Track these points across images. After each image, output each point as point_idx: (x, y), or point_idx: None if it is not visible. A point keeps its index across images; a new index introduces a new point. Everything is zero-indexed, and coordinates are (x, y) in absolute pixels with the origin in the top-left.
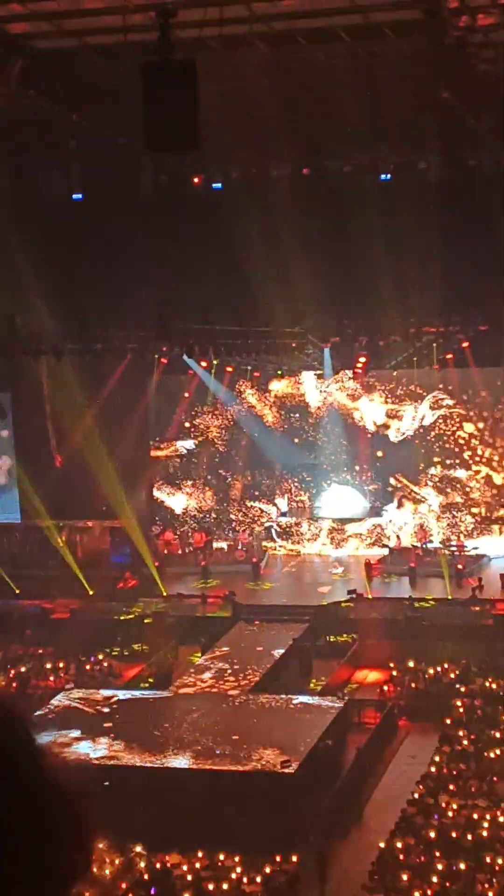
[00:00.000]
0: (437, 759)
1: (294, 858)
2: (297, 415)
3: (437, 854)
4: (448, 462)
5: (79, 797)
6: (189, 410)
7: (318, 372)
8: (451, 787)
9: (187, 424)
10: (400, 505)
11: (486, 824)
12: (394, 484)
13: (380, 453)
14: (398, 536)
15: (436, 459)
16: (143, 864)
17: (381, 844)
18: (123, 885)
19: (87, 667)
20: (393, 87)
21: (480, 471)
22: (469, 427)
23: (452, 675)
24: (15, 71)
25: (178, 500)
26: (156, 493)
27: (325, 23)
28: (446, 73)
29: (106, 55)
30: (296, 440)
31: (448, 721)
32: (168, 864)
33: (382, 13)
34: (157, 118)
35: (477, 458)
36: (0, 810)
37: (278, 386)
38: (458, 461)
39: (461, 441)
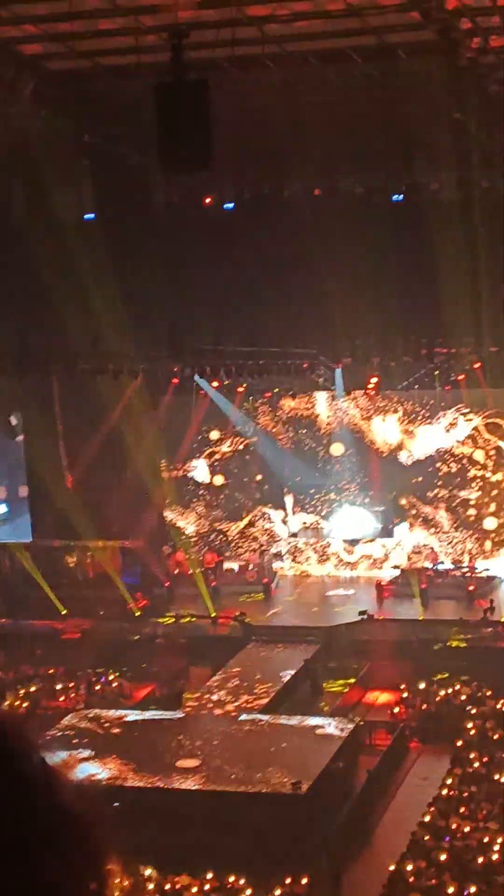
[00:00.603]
0: (448, 781)
1: (304, 881)
2: (309, 435)
3: (448, 877)
4: (459, 482)
5: (93, 822)
6: (200, 431)
7: (331, 392)
8: (463, 809)
9: (199, 445)
10: (411, 526)
11: (497, 847)
12: (405, 505)
13: (391, 474)
14: (409, 557)
15: (451, 480)
16: (152, 886)
17: (392, 867)
18: None
19: (98, 687)
20: (405, 107)
21: (493, 492)
22: (479, 452)
23: (464, 697)
24: (28, 91)
25: (189, 521)
26: (167, 514)
27: (337, 44)
28: (459, 94)
29: (119, 75)
30: (307, 460)
31: (459, 743)
32: (178, 886)
33: (395, 34)
34: (169, 138)
35: (491, 480)
36: (13, 836)
37: (290, 406)
38: (470, 482)
39: (476, 462)
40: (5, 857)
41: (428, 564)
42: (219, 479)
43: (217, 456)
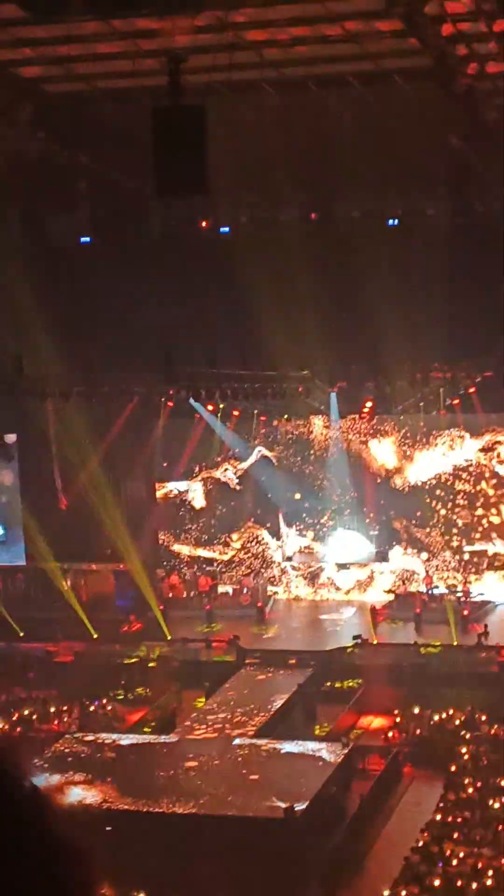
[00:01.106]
0: (441, 806)
1: None
2: (304, 459)
3: None
4: (454, 507)
5: (84, 849)
6: (195, 454)
7: (325, 417)
8: (456, 834)
9: (194, 468)
10: (405, 550)
11: (491, 872)
12: (399, 529)
13: (386, 498)
14: (403, 582)
15: (446, 504)
16: None
17: (385, 893)
18: None
19: (91, 710)
20: (402, 133)
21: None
22: (475, 477)
23: (458, 722)
24: (25, 114)
25: (183, 544)
26: (161, 537)
27: (334, 69)
28: (455, 119)
29: (116, 99)
30: (302, 484)
31: (453, 768)
32: None
33: (392, 60)
34: (166, 162)
35: (488, 503)
36: (4, 864)
37: (286, 430)
38: (465, 506)
39: (471, 486)
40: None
41: (422, 589)
42: (213, 502)
43: (211, 479)
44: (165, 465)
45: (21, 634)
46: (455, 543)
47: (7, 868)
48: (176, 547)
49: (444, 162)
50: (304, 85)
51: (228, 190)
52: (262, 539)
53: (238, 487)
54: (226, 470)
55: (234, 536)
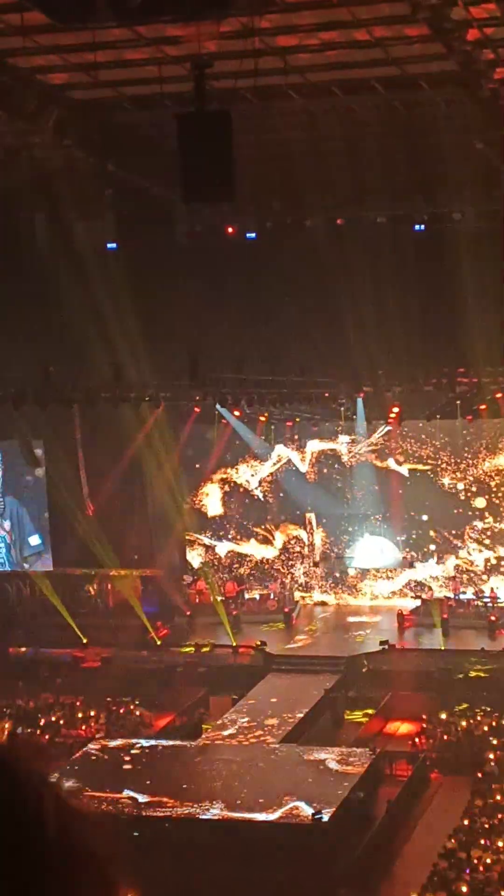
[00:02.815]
0: (469, 812)
1: None
2: (332, 464)
3: None
4: (482, 513)
5: (108, 859)
6: (222, 460)
7: (352, 437)
8: (484, 840)
9: (221, 474)
10: (433, 556)
11: None
12: (427, 534)
13: (413, 504)
14: (430, 587)
15: (474, 511)
16: None
17: None
18: None
19: (118, 716)
20: (427, 138)
21: None
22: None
23: (485, 728)
24: (51, 121)
25: (210, 550)
26: (194, 536)
27: (360, 74)
28: (481, 124)
29: (142, 105)
30: (330, 489)
31: (480, 774)
32: None
33: (418, 65)
34: (192, 168)
35: None
36: (25, 875)
37: (314, 441)
38: (493, 513)
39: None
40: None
41: (449, 594)
42: (239, 509)
43: (238, 485)
44: (192, 470)
45: (48, 640)
46: (483, 548)
47: (27, 881)
48: (202, 552)
49: (471, 167)
50: (330, 90)
51: (254, 196)
52: (290, 544)
53: (266, 490)
54: (252, 476)
55: (262, 542)
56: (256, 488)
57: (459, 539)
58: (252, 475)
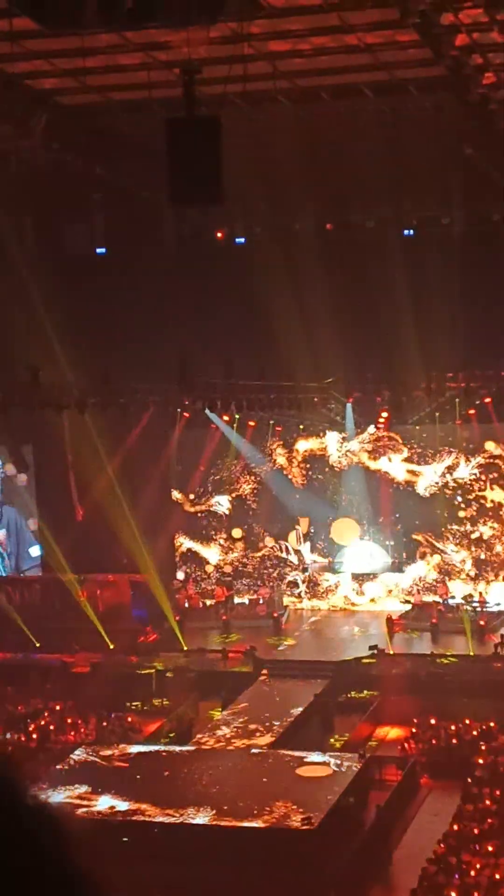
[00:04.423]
0: (458, 817)
1: None
2: (320, 468)
3: None
4: (471, 517)
5: (93, 869)
6: (211, 465)
7: (343, 434)
8: (473, 845)
9: (210, 479)
10: (422, 560)
11: None
12: (416, 539)
13: (402, 509)
14: (420, 592)
15: (461, 515)
16: None
17: None
18: None
19: (107, 721)
20: (416, 143)
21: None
22: (494, 489)
23: (475, 733)
24: (40, 125)
25: (199, 555)
26: (177, 547)
27: (349, 79)
28: (470, 129)
29: (130, 110)
30: (319, 494)
31: (470, 779)
32: None
33: (406, 70)
34: (180, 173)
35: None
36: (13, 884)
37: (302, 441)
38: (482, 517)
39: (488, 497)
40: None
41: (438, 599)
42: (227, 513)
43: (226, 490)
44: (181, 475)
45: (38, 645)
46: (471, 554)
47: (17, 891)
48: (191, 557)
49: (459, 171)
50: (319, 95)
51: (244, 200)
52: (279, 549)
53: (255, 495)
54: (240, 480)
55: (251, 547)
56: (254, 499)
57: (446, 543)
58: (240, 481)
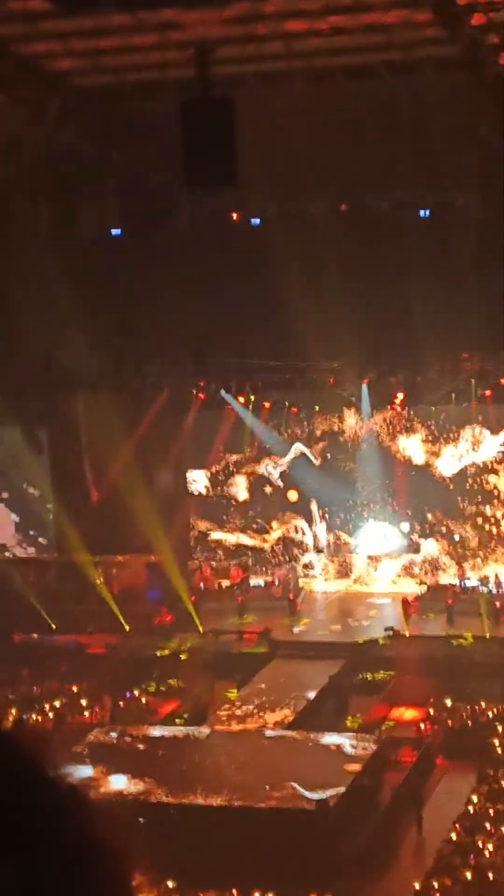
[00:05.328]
0: (474, 798)
1: None
2: (336, 449)
3: (474, 895)
4: (486, 498)
5: (122, 851)
6: (227, 446)
7: (358, 415)
8: (489, 826)
9: (226, 461)
10: (438, 542)
11: None
12: (431, 521)
13: (417, 490)
14: (435, 574)
15: (477, 497)
16: None
17: (417, 885)
18: None
19: (123, 702)
20: (432, 123)
21: None
22: None
23: (490, 714)
24: (53, 108)
25: (215, 536)
26: (202, 526)
27: (364, 59)
28: (486, 109)
29: (144, 92)
30: (334, 476)
31: (486, 760)
32: None
33: (422, 49)
34: (195, 155)
35: None
36: (41, 871)
37: (317, 422)
38: (497, 499)
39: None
40: (33, 892)
41: (454, 580)
42: (244, 495)
43: (241, 471)
44: (196, 456)
45: (53, 626)
46: (488, 535)
47: (43, 870)
48: (216, 535)
49: (475, 152)
50: (334, 75)
51: (259, 182)
52: (294, 531)
53: (279, 483)
54: (255, 462)
55: (274, 525)
56: (277, 479)
57: (461, 524)
58: (267, 465)
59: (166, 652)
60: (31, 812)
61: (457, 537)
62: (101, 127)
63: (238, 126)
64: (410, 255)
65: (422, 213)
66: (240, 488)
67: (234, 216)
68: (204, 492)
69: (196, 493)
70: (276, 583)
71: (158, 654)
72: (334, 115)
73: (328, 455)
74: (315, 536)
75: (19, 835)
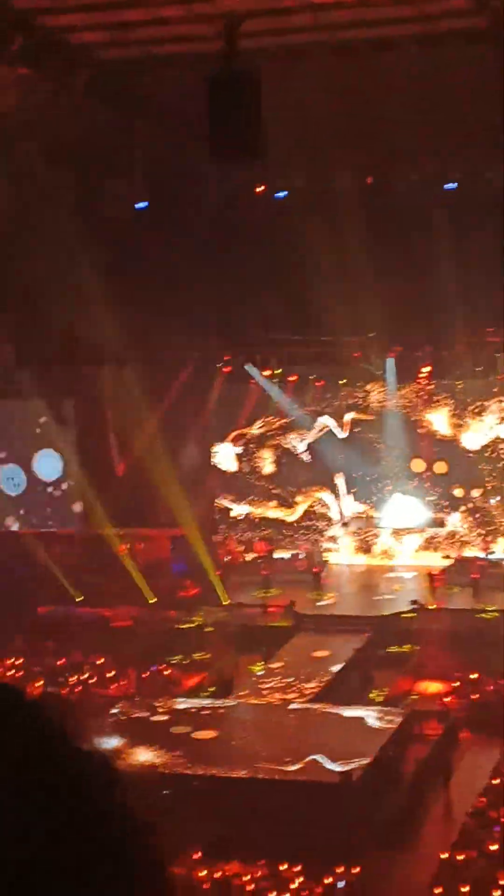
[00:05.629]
0: (499, 771)
1: (355, 870)
2: (362, 424)
3: (499, 867)
4: None
5: (154, 825)
6: (252, 419)
7: (382, 384)
8: None
9: (251, 434)
10: (464, 515)
11: None
12: (457, 494)
13: (444, 464)
14: (461, 547)
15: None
16: (203, 874)
17: (443, 857)
18: None
19: (148, 675)
20: (459, 95)
21: None
22: None
23: None
24: (80, 81)
25: (240, 509)
26: (219, 502)
27: (390, 31)
28: None
29: (170, 64)
30: (360, 449)
31: None
32: (228, 874)
33: (448, 21)
34: (221, 128)
35: None
36: (72, 839)
37: (343, 395)
38: None
39: None
40: (68, 873)
41: (480, 554)
42: (270, 468)
43: (267, 445)
44: (221, 429)
45: (78, 599)
46: None
47: (77, 845)
48: (233, 512)
49: (501, 124)
50: (360, 48)
51: (284, 155)
52: (320, 504)
53: (307, 458)
54: (281, 435)
55: (299, 498)
56: (303, 452)
57: (488, 497)
58: (281, 436)
59: (191, 625)
60: (67, 783)
61: (483, 510)
62: (127, 100)
63: (264, 99)
64: (437, 227)
65: (448, 185)
66: (265, 462)
67: (260, 189)
68: (229, 465)
69: (221, 466)
70: (301, 556)
71: (184, 626)
72: (360, 87)
73: (354, 429)
74: (340, 510)
75: (57, 807)
